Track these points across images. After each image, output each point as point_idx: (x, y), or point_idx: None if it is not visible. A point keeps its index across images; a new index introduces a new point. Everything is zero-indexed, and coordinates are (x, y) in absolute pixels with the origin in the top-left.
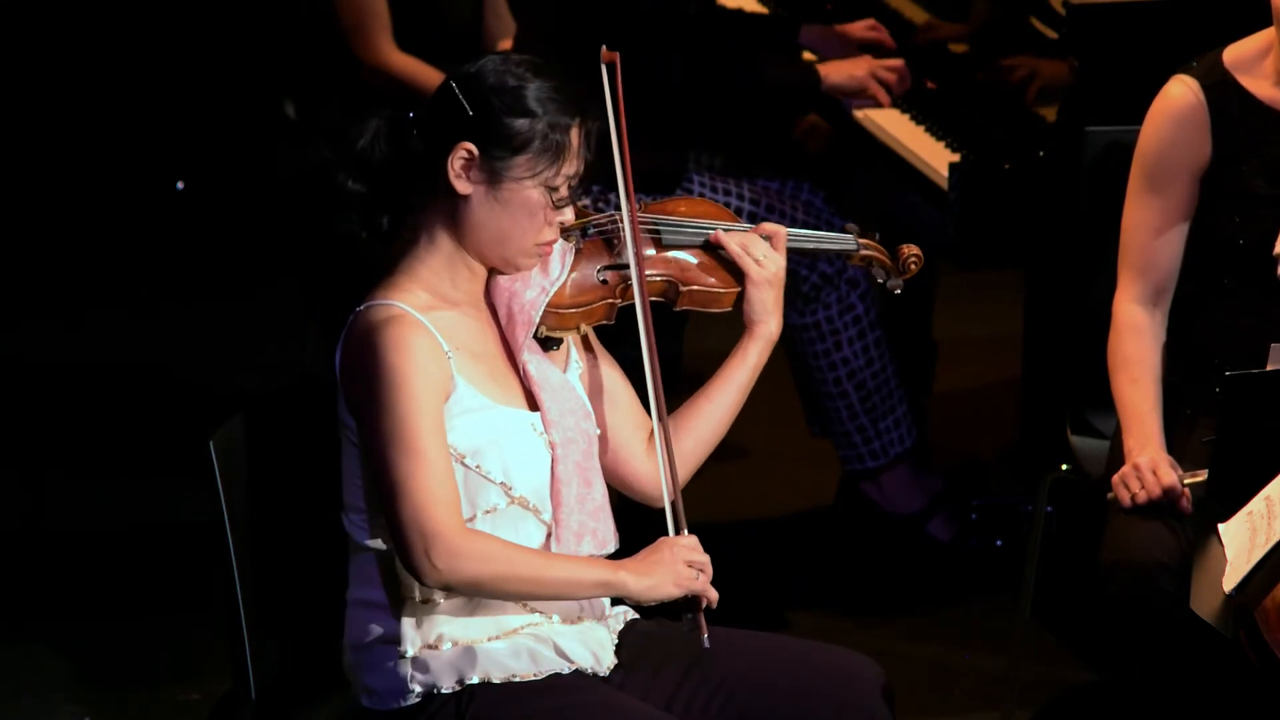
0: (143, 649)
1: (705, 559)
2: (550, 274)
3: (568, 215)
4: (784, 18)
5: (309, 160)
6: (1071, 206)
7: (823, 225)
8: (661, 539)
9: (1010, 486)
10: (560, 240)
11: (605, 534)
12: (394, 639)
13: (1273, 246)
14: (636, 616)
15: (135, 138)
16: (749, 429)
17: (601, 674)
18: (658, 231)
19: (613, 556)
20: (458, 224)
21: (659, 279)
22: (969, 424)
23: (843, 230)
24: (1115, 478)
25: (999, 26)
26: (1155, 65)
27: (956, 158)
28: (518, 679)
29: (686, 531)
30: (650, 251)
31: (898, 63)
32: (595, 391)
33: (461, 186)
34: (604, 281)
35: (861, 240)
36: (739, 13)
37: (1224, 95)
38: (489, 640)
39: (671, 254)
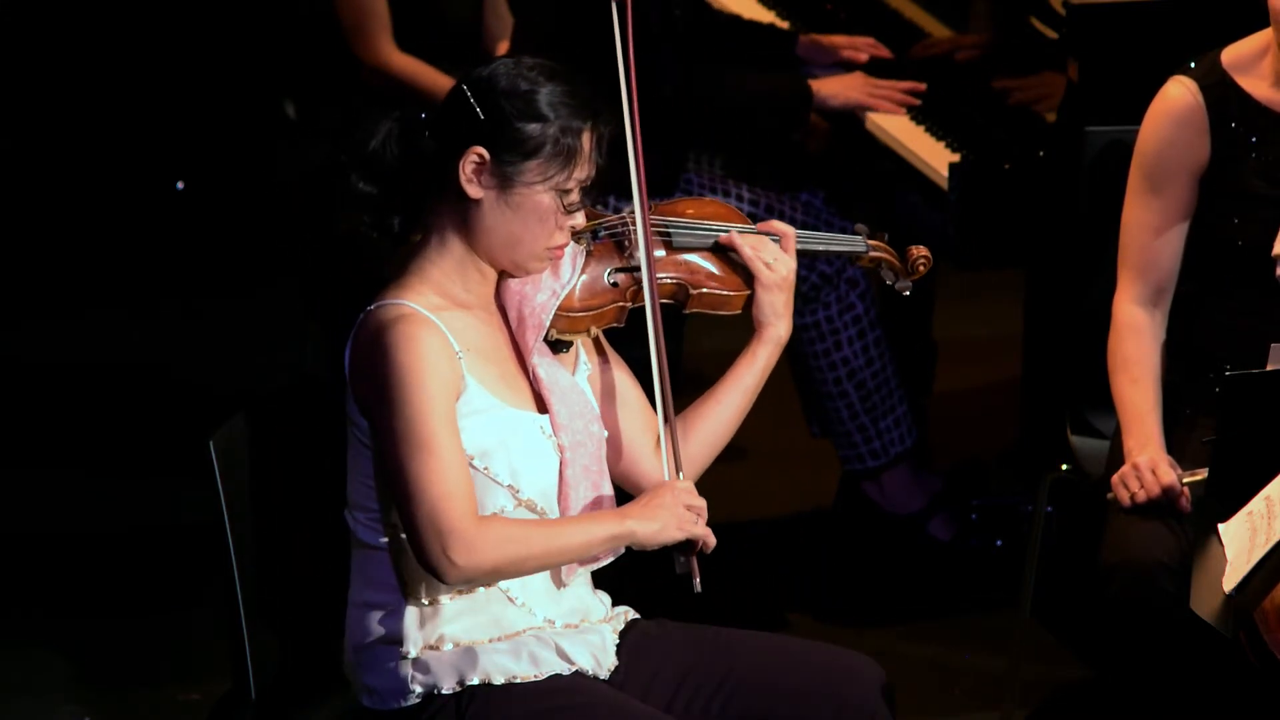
0: (143, 649)
1: (702, 503)
2: (561, 277)
3: (579, 220)
4: (782, 31)
5: (309, 160)
6: (1071, 206)
7: (823, 225)
8: (661, 483)
9: (1010, 486)
10: (571, 243)
11: None
12: (395, 639)
13: (1272, 246)
14: (637, 616)
15: (135, 138)
16: (749, 429)
17: (602, 676)
18: (668, 233)
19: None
20: (468, 227)
21: (669, 281)
22: (969, 424)
23: (851, 231)
24: (1115, 477)
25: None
26: (1155, 65)
27: (956, 158)
28: (519, 680)
29: (682, 476)
30: (661, 253)
31: (899, 84)
32: (605, 393)
33: (472, 190)
34: (615, 285)
35: (870, 241)
36: (736, 20)
37: (1223, 96)
38: (490, 641)
39: (682, 256)
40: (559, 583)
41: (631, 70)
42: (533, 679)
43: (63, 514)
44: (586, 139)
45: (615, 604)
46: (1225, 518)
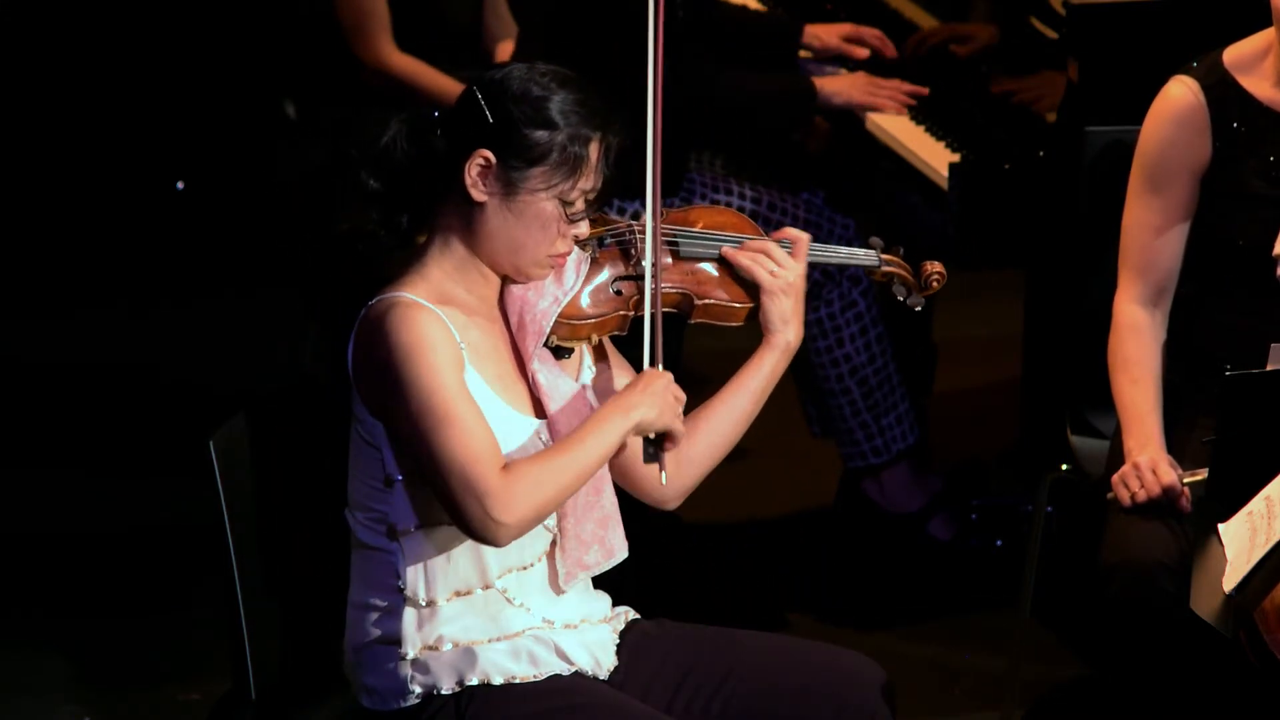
0: (143, 649)
1: (684, 396)
2: (564, 284)
3: (582, 229)
4: (787, 21)
5: (309, 160)
6: (1071, 206)
7: (824, 224)
8: (648, 370)
9: (1010, 486)
10: (576, 249)
11: (614, 542)
12: (394, 640)
13: (1273, 246)
14: (637, 617)
15: (135, 138)
16: (750, 429)
17: (601, 676)
18: (675, 242)
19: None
20: (471, 230)
21: (674, 290)
22: (969, 424)
23: (866, 245)
24: (1115, 477)
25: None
26: (1155, 65)
27: (956, 158)
28: (518, 680)
29: (662, 368)
30: (667, 260)
31: (902, 85)
32: (607, 397)
33: (477, 194)
34: (618, 293)
35: (884, 256)
36: (743, 10)
37: (1224, 96)
38: (489, 641)
39: (688, 265)
40: (558, 589)
41: (660, 69)
42: (532, 679)
43: (63, 514)
44: (594, 149)
45: (615, 604)
46: (1225, 518)
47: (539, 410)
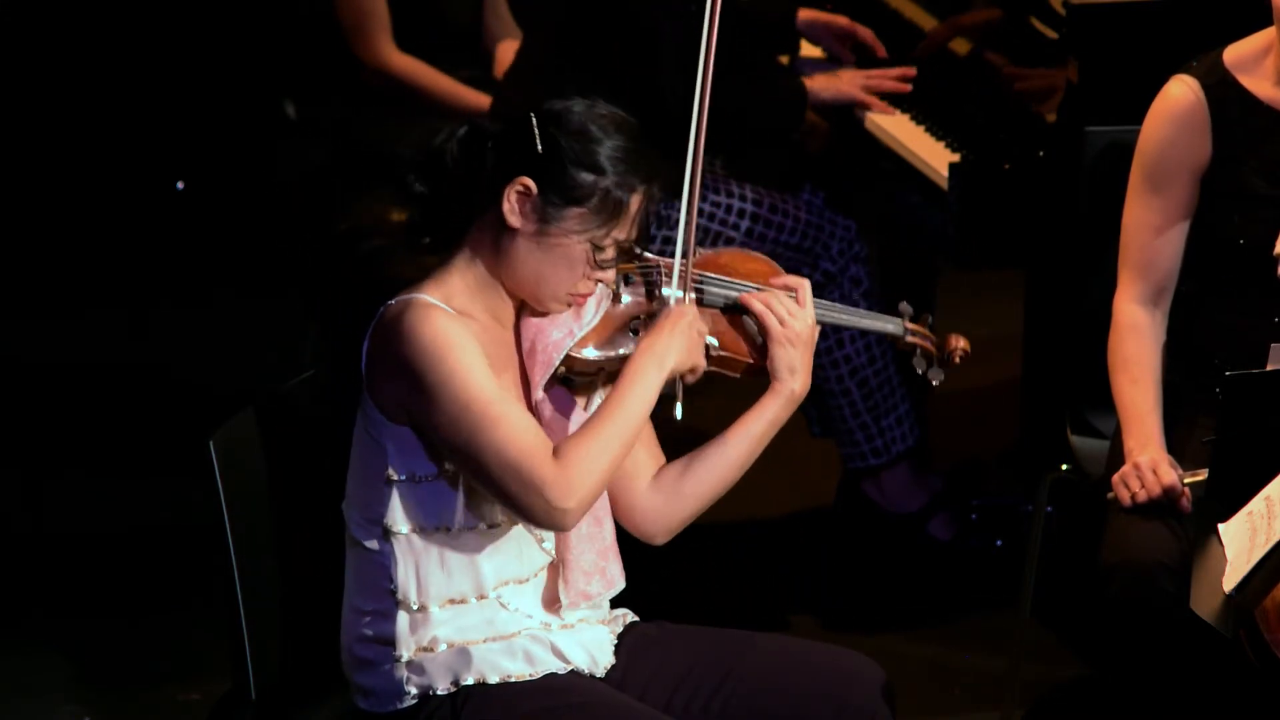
0: (143, 649)
1: (705, 328)
2: (581, 318)
3: (609, 275)
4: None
5: (309, 160)
6: (1071, 206)
7: (824, 224)
8: (675, 308)
9: (1010, 486)
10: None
11: (614, 574)
12: (389, 641)
13: (1273, 246)
14: (636, 619)
15: (135, 138)
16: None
17: (598, 674)
18: (701, 288)
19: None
20: (499, 252)
21: None
22: (969, 424)
23: (895, 311)
24: (1115, 477)
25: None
26: (1155, 65)
27: (956, 158)
28: (514, 679)
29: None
30: (692, 297)
31: (889, 71)
32: None
33: (512, 219)
34: (635, 332)
35: (910, 325)
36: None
37: (1224, 95)
38: (484, 641)
39: (710, 314)
40: (555, 602)
41: (709, 72)
42: (528, 678)
43: (63, 514)
44: (636, 201)
45: (614, 606)
46: (1225, 518)
47: None
